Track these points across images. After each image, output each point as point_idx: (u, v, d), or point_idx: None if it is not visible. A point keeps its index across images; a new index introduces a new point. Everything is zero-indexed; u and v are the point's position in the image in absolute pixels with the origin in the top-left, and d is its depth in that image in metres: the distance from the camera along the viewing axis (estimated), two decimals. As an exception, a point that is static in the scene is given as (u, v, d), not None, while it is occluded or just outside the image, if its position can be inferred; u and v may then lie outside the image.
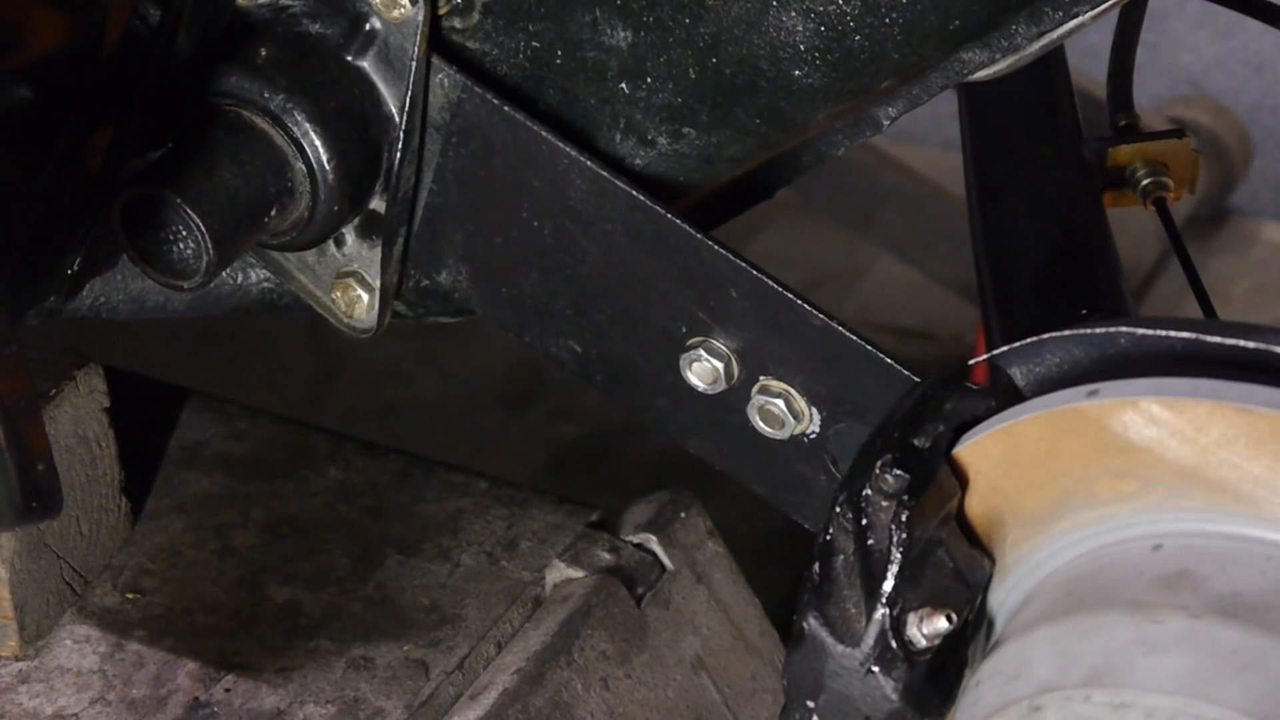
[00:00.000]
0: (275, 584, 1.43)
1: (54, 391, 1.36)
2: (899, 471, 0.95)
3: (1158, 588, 0.91)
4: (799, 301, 1.11)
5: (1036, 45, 1.10)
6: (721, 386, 1.16)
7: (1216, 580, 0.90)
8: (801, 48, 1.07)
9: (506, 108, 1.15)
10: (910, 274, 2.55)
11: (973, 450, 0.98)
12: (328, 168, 1.16)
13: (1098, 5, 1.07)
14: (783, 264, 2.34)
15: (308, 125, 1.15)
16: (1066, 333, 0.98)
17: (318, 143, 1.16)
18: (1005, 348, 1.00)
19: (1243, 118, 2.71)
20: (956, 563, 0.98)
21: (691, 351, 1.16)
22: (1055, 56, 1.51)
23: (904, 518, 0.95)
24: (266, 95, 1.15)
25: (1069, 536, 0.97)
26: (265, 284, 1.30)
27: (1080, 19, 1.08)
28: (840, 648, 0.97)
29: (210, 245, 1.12)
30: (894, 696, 0.96)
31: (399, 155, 1.17)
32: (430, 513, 1.49)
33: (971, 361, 1.10)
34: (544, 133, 1.15)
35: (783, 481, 1.18)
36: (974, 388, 1.01)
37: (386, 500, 1.50)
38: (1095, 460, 0.94)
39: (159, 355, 2.13)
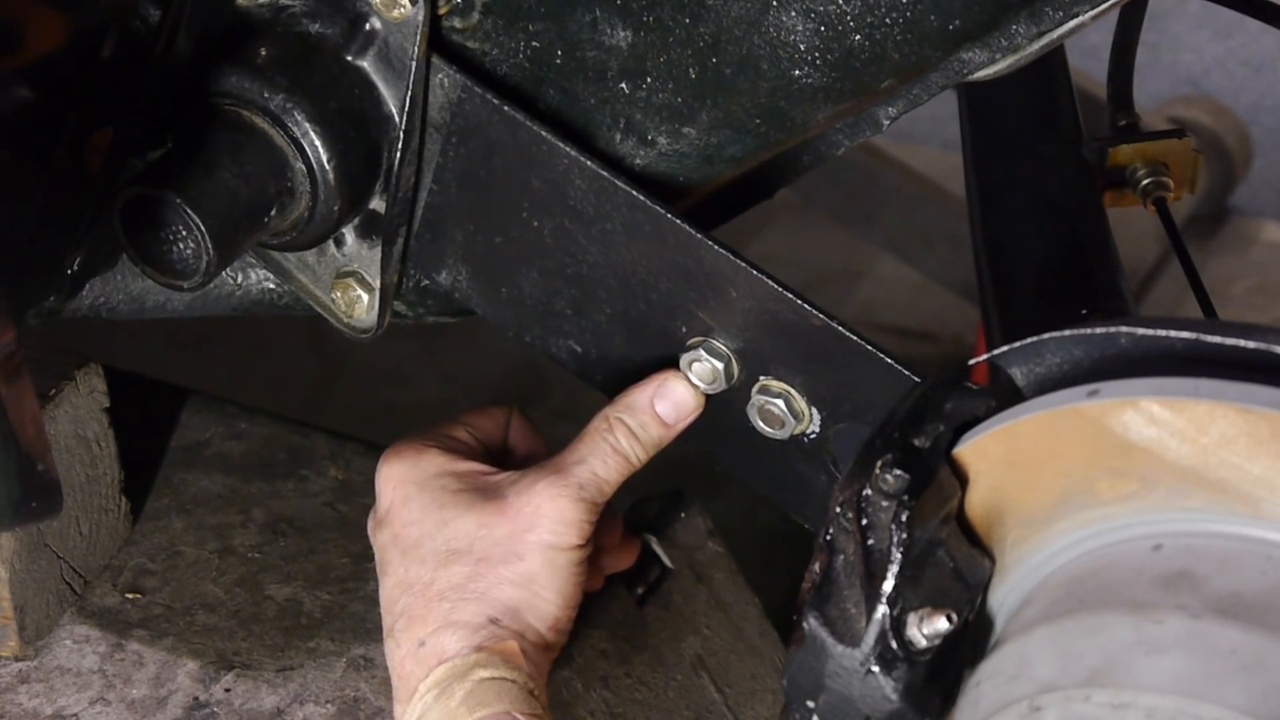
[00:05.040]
0: (275, 584, 1.43)
1: (54, 391, 1.36)
2: (899, 471, 0.95)
3: (1158, 588, 0.91)
4: (799, 301, 1.11)
5: (1036, 45, 1.10)
6: (721, 386, 1.16)
7: (1216, 580, 0.90)
8: (801, 47, 1.07)
9: (506, 108, 1.15)
10: (910, 274, 2.55)
11: (973, 450, 0.99)
12: (327, 167, 1.16)
13: (1098, 5, 1.07)
14: (783, 264, 2.34)
15: (308, 125, 1.15)
16: (1066, 333, 0.98)
17: (318, 142, 1.15)
18: (1005, 348, 1.00)
19: (1243, 118, 2.71)
20: (957, 563, 0.98)
21: (691, 351, 1.16)
22: (1055, 56, 1.51)
23: (904, 518, 0.95)
24: (266, 95, 1.15)
25: (1069, 536, 0.97)
26: (265, 284, 1.30)
27: (1080, 19, 1.08)
28: (840, 648, 0.97)
29: (210, 245, 1.12)
30: (894, 696, 0.96)
31: (399, 155, 1.17)
32: (430, 513, 1.49)
33: (971, 361, 1.10)
34: (544, 133, 1.15)
35: (783, 481, 1.18)
36: (974, 388, 1.01)
37: (386, 500, 1.50)
38: (1095, 460, 0.94)
39: (159, 355, 2.13)
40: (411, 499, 1.18)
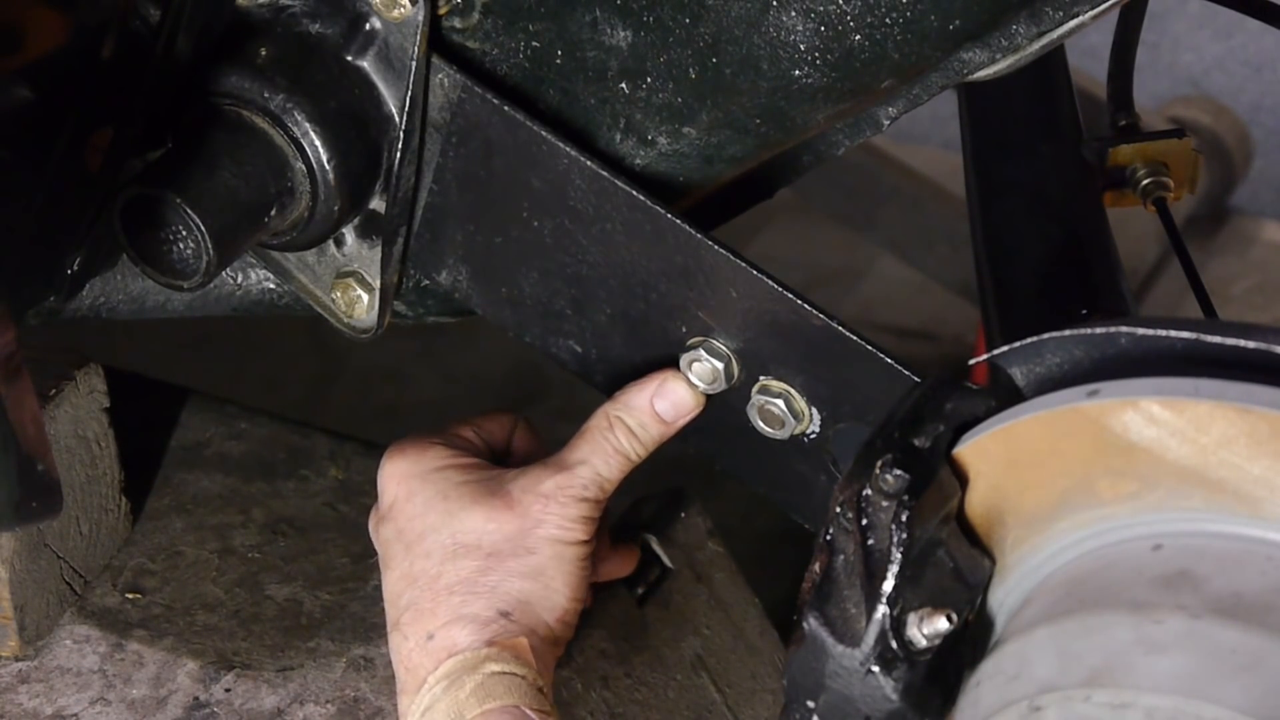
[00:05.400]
0: (275, 584, 1.43)
1: (54, 391, 1.36)
2: (899, 471, 0.95)
3: (1158, 588, 0.91)
4: (799, 301, 1.11)
5: (1036, 45, 1.10)
6: (721, 386, 1.16)
7: (1216, 580, 0.90)
8: (801, 47, 1.07)
9: (506, 108, 1.15)
10: (910, 274, 2.55)
11: (973, 450, 0.98)
12: (327, 167, 1.16)
13: (1098, 5, 1.07)
14: (783, 264, 2.33)
15: (308, 125, 1.15)
16: (1067, 333, 0.98)
17: (318, 142, 1.15)
18: (1005, 348, 1.00)
19: (1243, 118, 2.71)
20: (957, 563, 0.98)
21: (691, 351, 1.16)
22: (1055, 56, 1.51)
23: (904, 518, 0.95)
24: (266, 95, 1.15)
25: (1069, 536, 0.97)
26: (265, 284, 1.30)
27: (1080, 19, 1.08)
28: (840, 648, 0.97)
29: (210, 245, 1.12)
30: (894, 696, 0.96)
31: (399, 155, 1.17)
32: (430, 513, 1.49)
33: (972, 361, 1.10)
34: (544, 133, 1.15)
35: (783, 481, 1.18)
36: (974, 388, 1.01)
37: (386, 500, 1.49)
38: (1096, 460, 0.94)
39: (159, 355, 2.13)
40: (415, 493, 1.19)
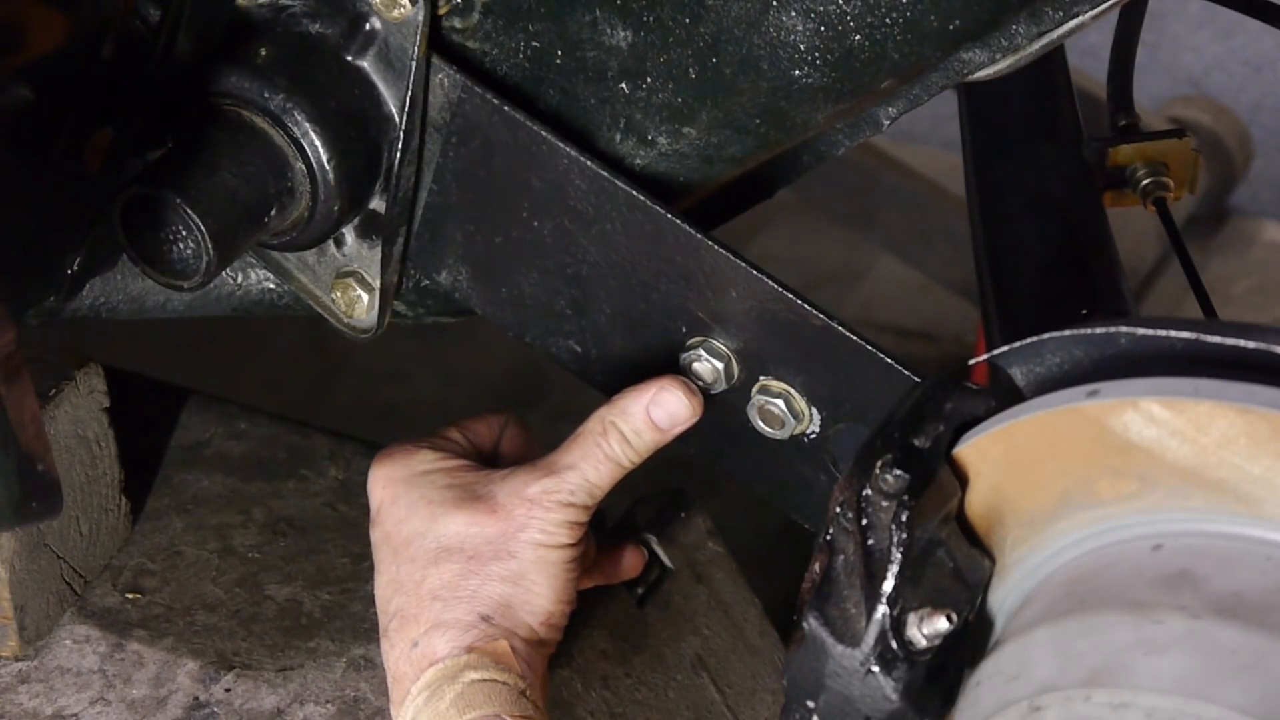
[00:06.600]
0: (275, 584, 1.43)
1: (54, 391, 1.36)
2: (899, 471, 0.95)
3: (1158, 588, 0.91)
4: (799, 301, 1.11)
5: (1036, 45, 1.10)
6: (721, 386, 1.16)
7: (1216, 580, 0.90)
8: (801, 47, 1.07)
9: (506, 108, 1.15)
10: (910, 274, 2.55)
11: (973, 450, 0.99)
12: (327, 167, 1.16)
13: (1098, 5, 1.07)
14: (783, 264, 2.34)
15: (308, 125, 1.15)
16: (1066, 333, 0.98)
17: (318, 142, 1.15)
18: (1005, 348, 1.00)
19: (1243, 118, 2.71)
20: (957, 563, 0.98)
21: (691, 351, 1.16)
22: (1055, 56, 1.51)
23: (904, 518, 0.95)
24: (266, 95, 1.15)
25: (1069, 536, 0.97)
26: (265, 284, 1.30)
27: (1080, 19, 1.08)
28: (840, 648, 0.97)
29: (210, 245, 1.12)
30: (894, 696, 0.96)
31: (399, 155, 1.17)
32: (430, 513, 1.49)
33: (972, 361, 1.10)
34: (544, 133, 1.15)
35: (783, 481, 1.18)
36: (974, 388, 1.01)
37: (386, 500, 1.49)
38: (1095, 460, 0.94)
39: (159, 355, 2.13)
40: (400, 497, 1.19)
